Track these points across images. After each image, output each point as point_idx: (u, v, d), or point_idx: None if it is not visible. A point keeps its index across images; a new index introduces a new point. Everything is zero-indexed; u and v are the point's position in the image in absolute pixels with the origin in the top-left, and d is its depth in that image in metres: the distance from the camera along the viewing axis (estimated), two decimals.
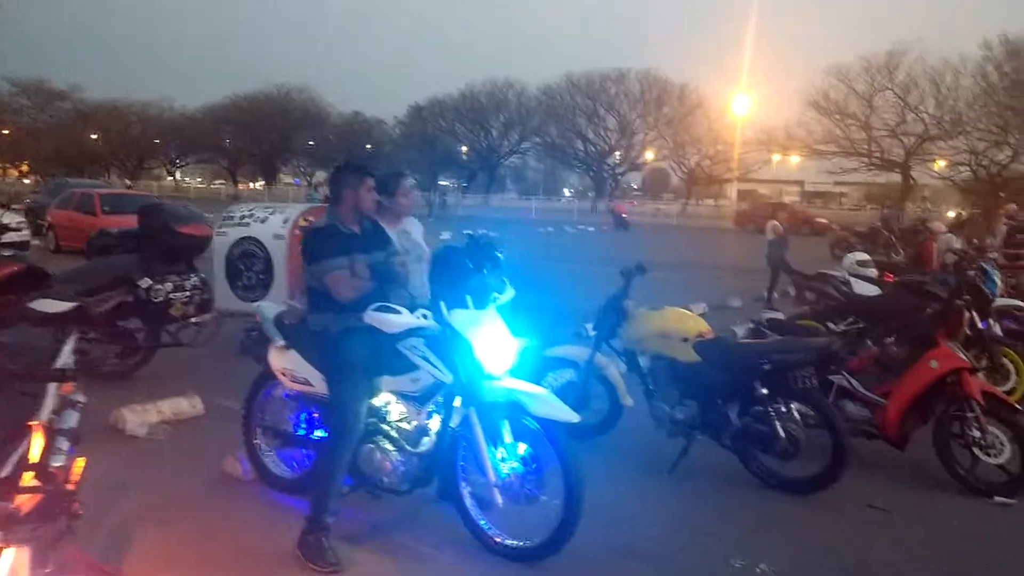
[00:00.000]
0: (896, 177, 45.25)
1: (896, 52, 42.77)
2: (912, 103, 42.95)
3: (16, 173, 63.96)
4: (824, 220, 35.50)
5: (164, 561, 3.45)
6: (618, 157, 61.66)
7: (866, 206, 60.09)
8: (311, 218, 6.67)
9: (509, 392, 3.47)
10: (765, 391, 4.49)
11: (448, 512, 3.72)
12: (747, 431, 4.54)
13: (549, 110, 60.58)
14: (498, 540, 3.56)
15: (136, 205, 8.78)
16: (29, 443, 2.53)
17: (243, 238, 7.23)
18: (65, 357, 2.96)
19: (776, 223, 12.48)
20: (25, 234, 14.01)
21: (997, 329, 6.49)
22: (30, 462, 2.49)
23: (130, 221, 6.88)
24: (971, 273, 6.55)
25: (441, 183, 65.59)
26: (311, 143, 65.36)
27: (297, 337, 3.92)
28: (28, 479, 2.50)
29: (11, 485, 2.46)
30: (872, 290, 6.97)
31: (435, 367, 3.56)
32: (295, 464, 4.21)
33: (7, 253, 6.95)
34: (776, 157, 53.04)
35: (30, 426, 2.55)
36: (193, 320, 6.49)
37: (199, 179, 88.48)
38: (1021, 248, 11.66)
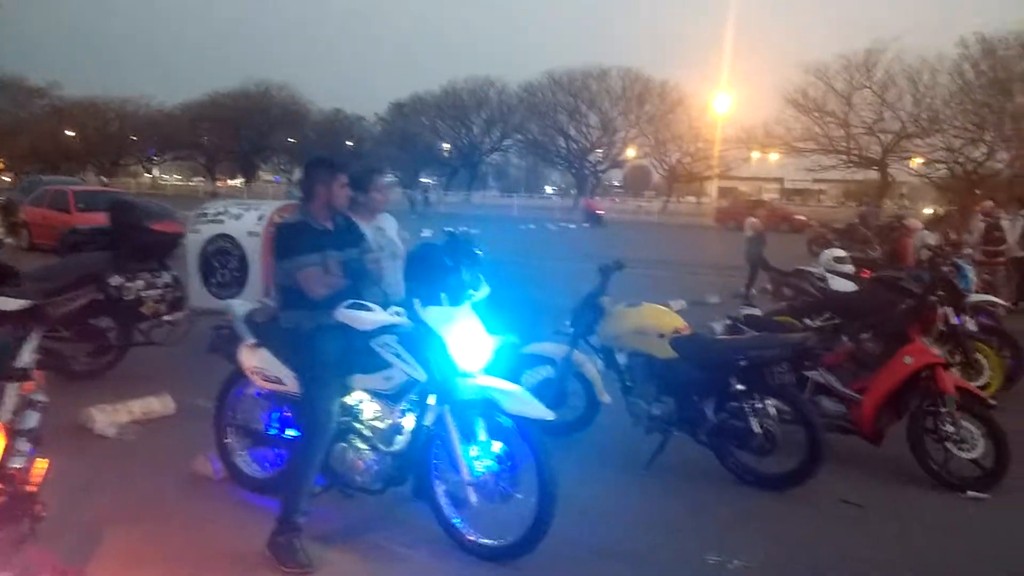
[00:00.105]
0: (874, 174, 45.64)
1: (874, 50, 43.14)
2: (890, 101, 43.34)
3: None
4: (803, 217, 35.76)
5: (131, 563, 3.39)
6: (600, 154, 61.70)
7: (845, 203, 60.62)
8: (286, 215, 6.59)
9: (483, 390, 3.44)
10: (741, 387, 4.49)
11: (422, 511, 3.68)
12: (723, 427, 4.54)
13: (531, 107, 60.49)
14: (472, 539, 3.53)
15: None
16: None
17: (217, 235, 7.15)
18: (26, 356, 2.89)
19: (755, 220, 12.56)
20: None
21: (971, 325, 6.55)
22: None
23: (105, 219, 6.76)
24: (945, 269, 6.61)
25: (423, 180, 65.38)
26: (291, 140, 64.88)
27: (268, 335, 3.86)
28: None
29: None
30: (848, 286, 7.00)
31: (409, 365, 3.52)
32: (267, 463, 4.15)
33: None
34: (756, 155, 53.37)
35: None
36: (166, 318, 6.40)
37: (177, 176, 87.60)
38: (999, 245, 11.79)
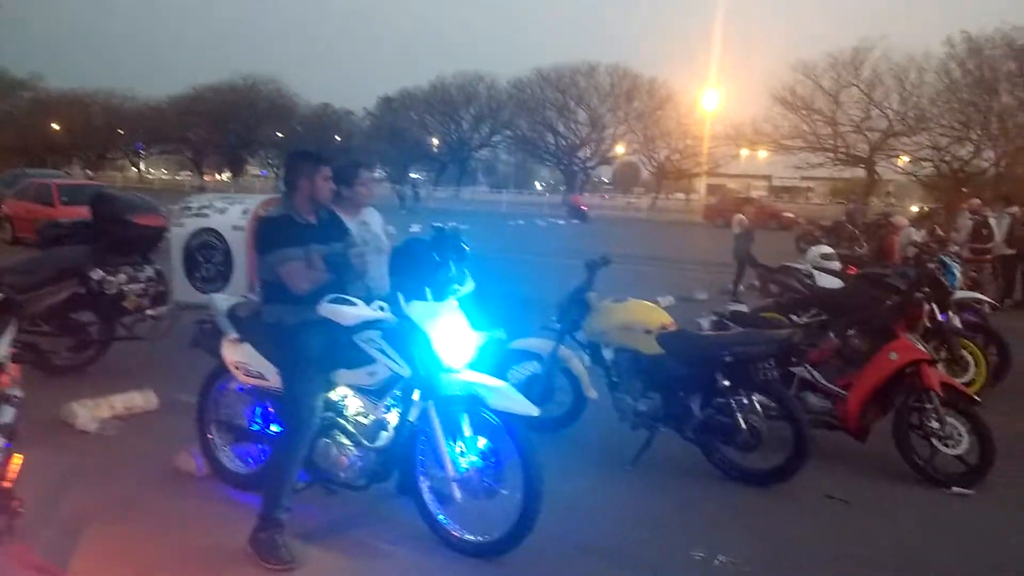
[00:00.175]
0: (861, 172, 45.88)
1: (862, 48, 43.34)
2: (877, 99, 43.56)
3: None
4: (791, 214, 35.91)
5: (111, 560, 3.34)
6: (589, 151, 61.71)
7: (832, 201, 60.91)
8: (269, 208, 6.54)
9: (468, 385, 3.41)
10: (727, 383, 4.48)
11: (406, 507, 3.65)
12: (709, 423, 4.53)
13: (520, 103, 60.41)
14: (456, 535, 3.51)
15: None
16: None
17: (201, 229, 7.08)
18: (1, 350, 2.84)
19: (742, 217, 12.58)
20: None
21: (956, 321, 6.58)
22: None
23: (87, 212, 6.67)
24: (931, 266, 6.63)
25: (412, 176, 65.18)
26: (279, 135, 64.53)
27: (251, 330, 3.82)
28: None
29: None
30: (835, 283, 7.02)
31: (392, 360, 3.49)
32: (250, 459, 4.11)
33: None
34: (744, 152, 53.54)
35: None
36: (149, 313, 6.33)
37: (164, 170, 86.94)
38: (987, 242, 11.87)
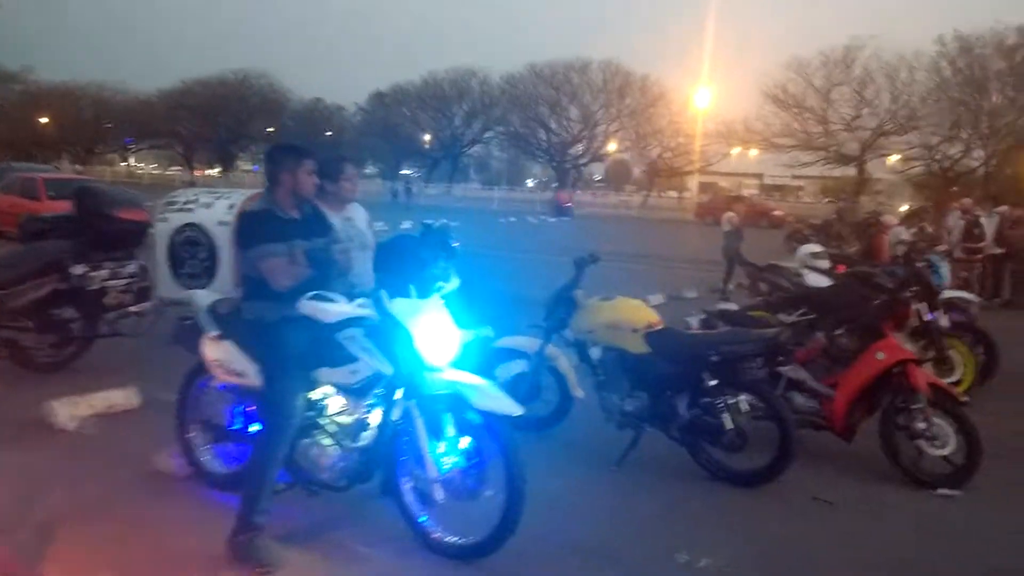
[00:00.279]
0: (852, 171, 46.02)
1: (853, 47, 43.45)
2: (868, 98, 43.70)
3: None
4: (781, 213, 35.99)
5: (88, 561, 3.29)
6: (581, 148, 61.66)
7: (823, 199, 61.09)
8: (252, 203, 6.48)
9: (451, 384, 3.35)
10: (714, 382, 4.45)
11: (388, 509, 3.60)
12: (695, 423, 4.50)
13: (512, 99, 60.28)
14: (438, 537, 3.46)
15: None
16: None
17: (186, 224, 6.99)
18: None
19: (732, 215, 12.57)
20: None
21: (944, 321, 6.56)
22: None
23: (70, 206, 6.58)
24: (919, 265, 6.61)
25: (404, 172, 64.99)
26: (270, 129, 64.21)
27: (232, 327, 3.76)
28: None
29: None
30: (824, 281, 6.99)
31: (375, 358, 3.44)
32: (231, 459, 4.05)
33: None
34: (736, 150, 53.63)
35: None
36: (132, 309, 6.25)
37: (154, 165, 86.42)
38: (978, 242, 11.90)
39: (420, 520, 3.49)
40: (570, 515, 3.95)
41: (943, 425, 4.57)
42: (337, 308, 3.33)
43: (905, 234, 9.99)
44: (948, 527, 4.09)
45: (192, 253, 7.02)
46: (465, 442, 3.40)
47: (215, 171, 71.07)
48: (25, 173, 18.49)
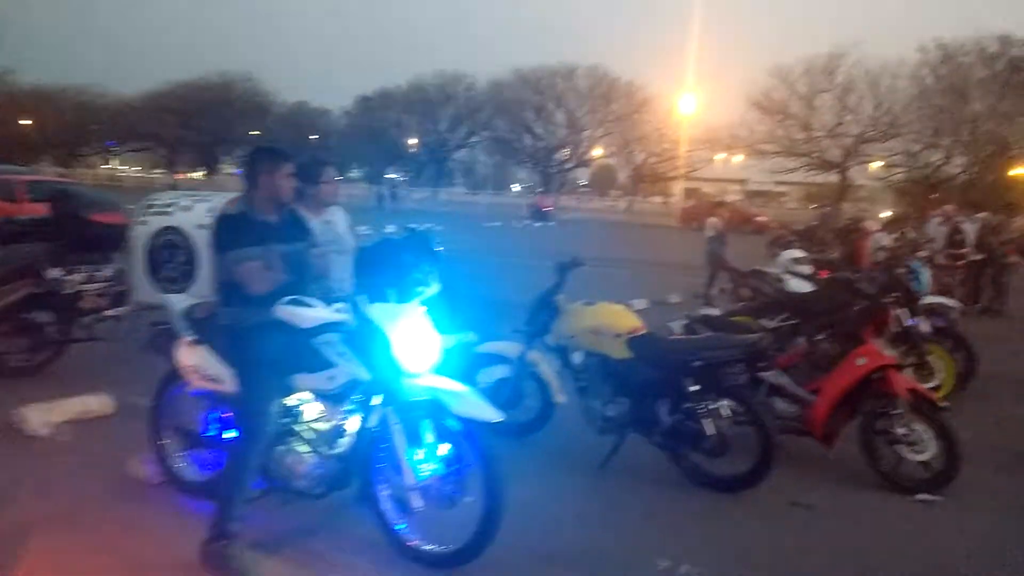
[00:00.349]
0: (834, 178, 46.41)
1: (836, 55, 43.88)
2: (850, 105, 44.13)
3: None
4: (764, 218, 36.16)
5: (58, 569, 3.23)
6: (566, 153, 61.76)
7: (807, 206, 61.59)
8: (229, 206, 6.40)
9: (430, 390, 3.32)
10: (696, 388, 4.43)
11: (365, 517, 3.54)
12: (677, 428, 4.48)
13: (498, 104, 60.27)
14: (416, 545, 3.42)
15: None
16: None
17: (165, 227, 6.90)
18: None
19: (715, 220, 12.60)
20: None
21: (924, 327, 6.59)
22: None
23: (46, 209, 6.48)
24: (900, 271, 6.64)
25: (390, 176, 64.74)
26: (253, 133, 63.85)
27: (207, 332, 3.71)
28: None
29: None
30: (806, 287, 7.02)
31: (352, 364, 3.39)
32: (206, 466, 3.98)
33: None
34: (720, 156, 53.96)
35: None
36: (108, 313, 6.17)
37: (137, 168, 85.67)
38: (960, 248, 11.99)
39: (397, 528, 3.45)
40: (550, 522, 3.91)
41: (923, 430, 4.57)
42: (314, 313, 3.28)
43: (886, 240, 10.05)
44: (928, 533, 4.09)
45: (171, 257, 6.93)
46: (444, 449, 3.37)
47: (198, 174, 70.59)
48: (3, 175, 18.26)
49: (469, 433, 3.28)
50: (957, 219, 12.80)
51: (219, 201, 7.12)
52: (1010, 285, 12.44)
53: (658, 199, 67.55)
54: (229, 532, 3.25)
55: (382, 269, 4.02)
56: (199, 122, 61.94)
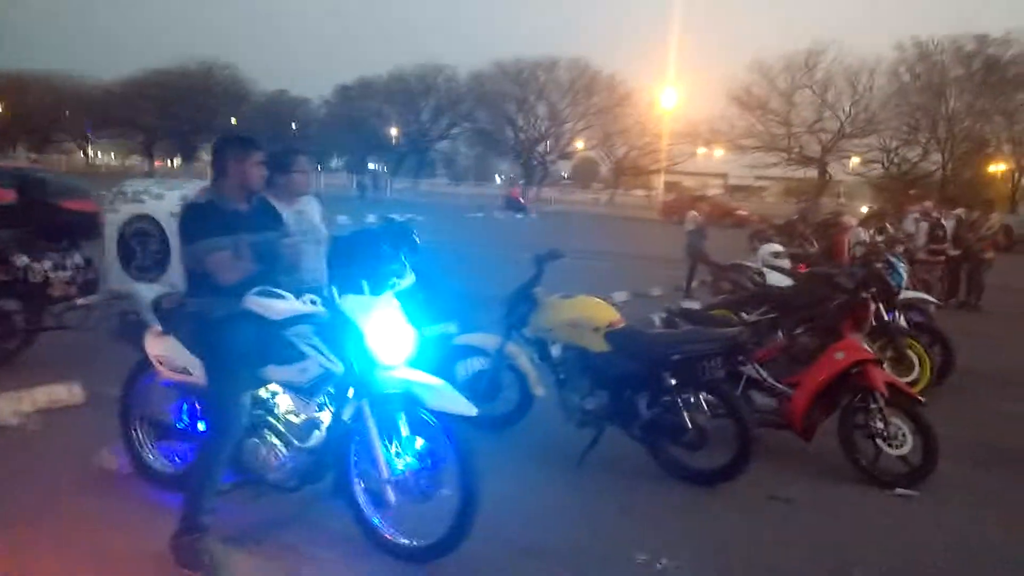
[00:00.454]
0: (814, 173, 46.79)
1: (815, 51, 44.17)
2: (829, 101, 44.50)
3: None
4: (745, 212, 36.34)
5: (25, 562, 3.15)
6: (548, 145, 61.68)
7: (787, 200, 62.03)
8: (197, 195, 6.28)
9: (404, 383, 3.26)
10: (674, 381, 4.41)
11: (340, 510, 3.49)
12: (656, 422, 4.45)
13: (479, 96, 60.02)
14: (391, 539, 3.36)
15: None
16: None
17: (136, 216, 6.75)
18: None
19: (695, 214, 12.61)
20: None
21: (903, 321, 6.62)
22: None
23: (12, 195, 6.32)
24: (878, 266, 6.66)
25: (371, 167, 64.33)
26: (233, 121, 63.12)
27: (176, 322, 3.62)
28: None
29: None
30: (785, 281, 7.03)
31: (325, 356, 3.33)
32: (176, 458, 3.90)
33: None
34: (701, 150, 54.18)
35: None
36: (79, 302, 6.04)
37: (113, 155, 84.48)
38: (940, 243, 12.08)
39: (372, 522, 3.39)
40: (527, 516, 3.87)
41: (900, 425, 4.59)
42: (284, 305, 3.20)
43: (864, 235, 10.10)
44: (906, 527, 4.09)
45: (143, 245, 6.79)
46: (419, 442, 3.31)
47: (176, 162, 69.76)
48: None
49: (444, 427, 3.23)
50: (936, 215, 12.90)
51: (192, 189, 7.00)
52: (986, 281, 12.56)
53: (640, 192, 67.71)
54: (200, 525, 3.18)
55: (356, 260, 3.95)
56: (177, 110, 61.17)
